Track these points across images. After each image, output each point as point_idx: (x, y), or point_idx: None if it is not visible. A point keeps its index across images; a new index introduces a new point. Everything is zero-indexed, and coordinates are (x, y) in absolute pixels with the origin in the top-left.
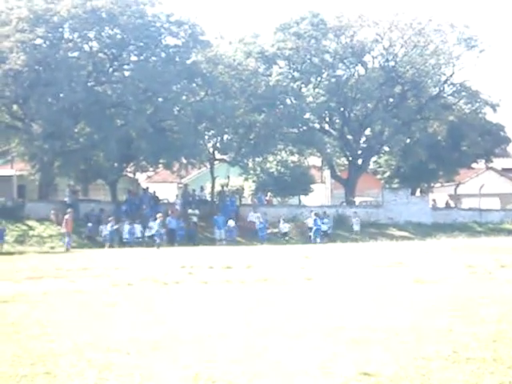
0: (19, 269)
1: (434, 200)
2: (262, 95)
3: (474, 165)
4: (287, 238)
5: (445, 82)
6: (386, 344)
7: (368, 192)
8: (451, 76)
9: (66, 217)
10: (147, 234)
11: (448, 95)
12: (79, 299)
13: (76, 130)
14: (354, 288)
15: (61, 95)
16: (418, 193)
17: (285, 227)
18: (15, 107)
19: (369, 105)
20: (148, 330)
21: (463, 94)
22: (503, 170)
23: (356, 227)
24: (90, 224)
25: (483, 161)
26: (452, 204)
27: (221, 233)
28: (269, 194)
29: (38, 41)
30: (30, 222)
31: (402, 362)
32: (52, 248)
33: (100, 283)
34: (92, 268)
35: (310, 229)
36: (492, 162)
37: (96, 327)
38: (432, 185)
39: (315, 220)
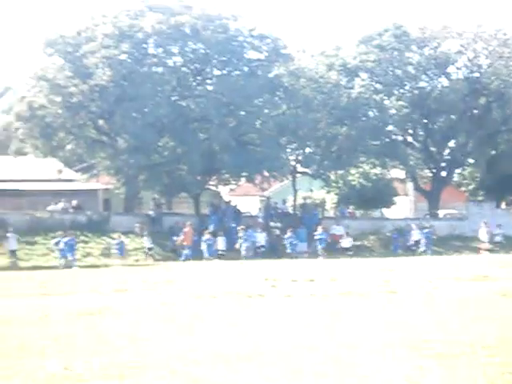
0: (105, 281)
1: None
2: (344, 108)
3: None
4: (350, 252)
5: None
6: (473, 358)
7: (452, 205)
8: None
9: (186, 229)
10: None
11: None
12: (165, 312)
13: (160, 144)
14: (439, 301)
15: (145, 110)
16: (503, 205)
17: (346, 242)
18: (101, 122)
19: (452, 116)
20: (234, 343)
21: None
22: None
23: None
24: (174, 237)
25: None
26: None
27: (303, 245)
28: (351, 206)
29: (123, 56)
30: (115, 235)
31: (490, 377)
32: (136, 261)
33: (185, 296)
34: (177, 281)
35: (416, 242)
36: None
37: (182, 340)
38: None
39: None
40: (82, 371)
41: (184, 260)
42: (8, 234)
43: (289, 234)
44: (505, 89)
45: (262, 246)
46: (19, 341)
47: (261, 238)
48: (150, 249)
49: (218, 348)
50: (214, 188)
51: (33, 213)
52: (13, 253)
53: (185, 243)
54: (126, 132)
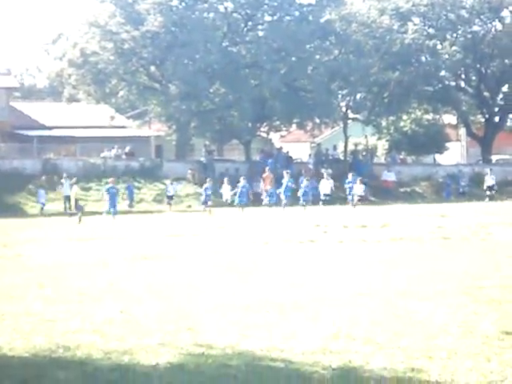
0: (159, 227)
1: None
2: (397, 53)
3: None
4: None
5: None
6: None
7: (505, 150)
8: None
9: (264, 175)
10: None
11: None
12: (218, 258)
13: (211, 91)
14: (493, 246)
15: (196, 56)
16: None
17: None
18: (153, 68)
19: (506, 61)
20: (287, 290)
21: None
22: None
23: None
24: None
25: None
26: None
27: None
28: (402, 152)
29: (174, 2)
30: (168, 182)
31: None
32: (189, 207)
33: (237, 242)
34: (228, 227)
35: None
36: None
37: (235, 287)
38: None
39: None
40: (137, 315)
41: (269, 205)
42: (62, 180)
43: (350, 178)
44: None
45: (327, 195)
46: (77, 285)
47: (326, 186)
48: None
49: (270, 296)
50: (264, 135)
51: (86, 159)
52: (67, 198)
53: (267, 187)
54: (178, 78)
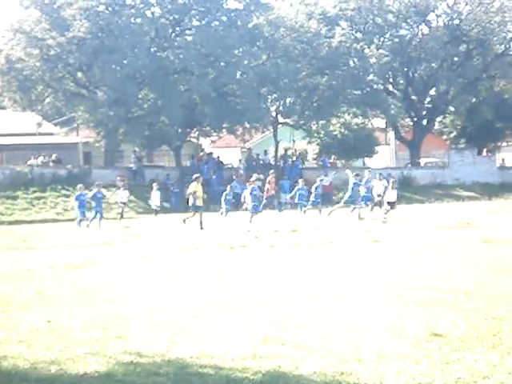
0: (88, 235)
1: (503, 159)
2: (325, 57)
3: None
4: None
5: (511, 39)
6: (456, 305)
7: (434, 153)
8: None
9: (269, 178)
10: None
11: None
12: (147, 264)
13: (140, 97)
14: (422, 249)
15: (124, 62)
16: (484, 152)
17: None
18: (80, 74)
19: (433, 64)
20: (216, 294)
21: None
22: None
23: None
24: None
25: None
26: None
27: (287, 196)
28: (333, 156)
29: (101, 8)
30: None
31: (473, 323)
32: (118, 214)
33: (167, 248)
34: (159, 233)
35: None
36: None
37: (165, 291)
38: (499, 144)
39: None
40: (65, 324)
41: (280, 211)
42: None
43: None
44: (485, 36)
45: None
46: (3, 295)
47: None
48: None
49: (201, 299)
50: (195, 140)
51: (13, 167)
52: None
53: (272, 192)
54: (105, 84)
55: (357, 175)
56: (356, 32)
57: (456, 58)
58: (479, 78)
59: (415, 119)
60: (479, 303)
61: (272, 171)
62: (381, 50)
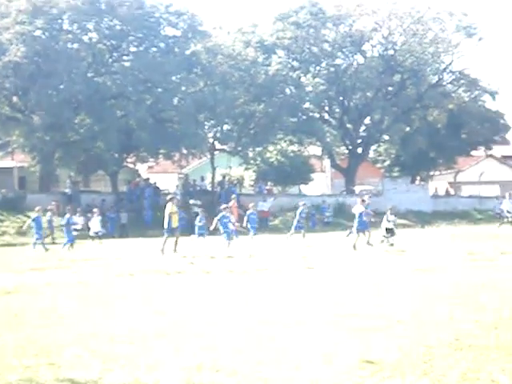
0: (22, 260)
1: (435, 188)
2: (262, 85)
3: (473, 152)
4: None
5: (444, 70)
6: (388, 332)
7: (368, 181)
8: (450, 64)
9: (231, 204)
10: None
11: (447, 83)
12: (82, 290)
13: (76, 121)
14: (356, 276)
15: (61, 87)
16: (418, 181)
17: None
18: (15, 99)
19: (368, 94)
20: (151, 320)
21: (462, 81)
22: (503, 157)
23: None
24: (89, 215)
25: (483, 148)
26: (452, 192)
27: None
28: (269, 183)
29: (38, 32)
30: (32, 214)
31: (405, 350)
32: (53, 239)
33: (102, 274)
34: (94, 259)
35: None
36: (491, 149)
37: (99, 318)
38: (432, 173)
39: None
40: None
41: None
42: None
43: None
44: (418, 66)
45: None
46: None
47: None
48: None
49: (136, 326)
50: (131, 166)
51: None
52: None
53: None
54: (41, 109)
55: (363, 201)
56: (293, 60)
57: (390, 88)
58: (413, 108)
59: (350, 147)
60: (411, 330)
61: (234, 196)
62: (317, 79)
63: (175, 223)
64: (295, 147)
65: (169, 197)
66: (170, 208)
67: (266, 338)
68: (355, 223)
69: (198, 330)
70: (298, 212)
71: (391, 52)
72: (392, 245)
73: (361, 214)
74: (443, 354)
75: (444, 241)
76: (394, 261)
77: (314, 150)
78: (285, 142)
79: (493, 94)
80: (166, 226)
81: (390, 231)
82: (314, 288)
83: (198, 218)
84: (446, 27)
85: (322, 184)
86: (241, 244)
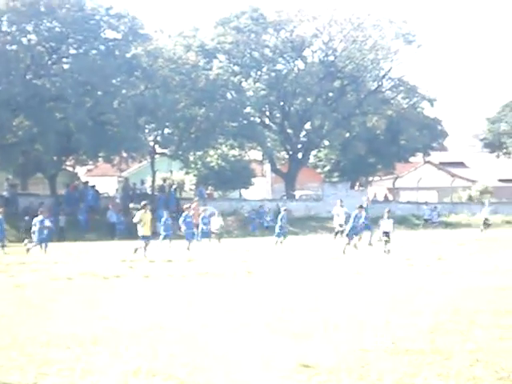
0: None
1: (374, 193)
2: (203, 89)
3: (411, 159)
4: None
5: (383, 76)
6: (326, 336)
7: (308, 185)
8: (389, 71)
9: (194, 205)
10: None
11: (386, 90)
12: (18, 294)
13: (15, 124)
14: (295, 281)
15: None
16: (357, 186)
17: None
18: None
19: (309, 99)
20: (88, 325)
21: (401, 88)
22: (440, 163)
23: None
24: (27, 218)
25: (421, 155)
26: (390, 197)
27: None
28: (209, 187)
29: None
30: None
31: (342, 354)
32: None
33: (39, 278)
34: (31, 262)
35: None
36: (429, 155)
37: (36, 322)
38: (371, 178)
39: None
40: None
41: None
42: None
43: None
44: (358, 72)
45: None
46: None
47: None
48: None
49: (73, 330)
50: (70, 168)
51: None
52: None
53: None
54: None
55: (361, 207)
56: (234, 65)
57: (331, 94)
58: (353, 114)
59: (291, 152)
60: (348, 335)
61: (196, 198)
62: (258, 84)
63: (147, 231)
64: (236, 151)
65: (142, 204)
66: (140, 215)
67: (203, 342)
68: (348, 226)
69: (136, 335)
70: (280, 218)
71: (331, 58)
72: (389, 251)
73: (355, 218)
74: (379, 358)
75: (380, 246)
76: (333, 265)
77: (255, 154)
78: (226, 146)
79: (431, 101)
80: (139, 234)
81: (387, 235)
82: (253, 292)
83: (162, 220)
84: (386, 34)
85: (262, 188)
86: (182, 248)
